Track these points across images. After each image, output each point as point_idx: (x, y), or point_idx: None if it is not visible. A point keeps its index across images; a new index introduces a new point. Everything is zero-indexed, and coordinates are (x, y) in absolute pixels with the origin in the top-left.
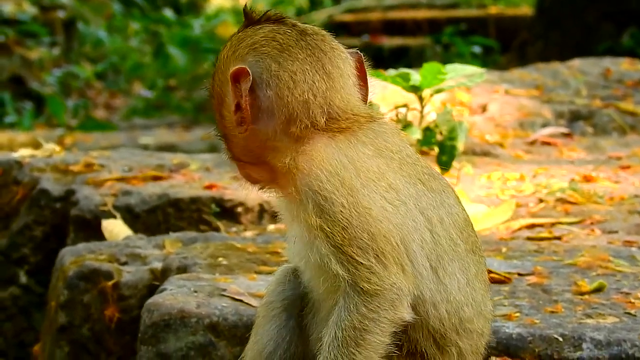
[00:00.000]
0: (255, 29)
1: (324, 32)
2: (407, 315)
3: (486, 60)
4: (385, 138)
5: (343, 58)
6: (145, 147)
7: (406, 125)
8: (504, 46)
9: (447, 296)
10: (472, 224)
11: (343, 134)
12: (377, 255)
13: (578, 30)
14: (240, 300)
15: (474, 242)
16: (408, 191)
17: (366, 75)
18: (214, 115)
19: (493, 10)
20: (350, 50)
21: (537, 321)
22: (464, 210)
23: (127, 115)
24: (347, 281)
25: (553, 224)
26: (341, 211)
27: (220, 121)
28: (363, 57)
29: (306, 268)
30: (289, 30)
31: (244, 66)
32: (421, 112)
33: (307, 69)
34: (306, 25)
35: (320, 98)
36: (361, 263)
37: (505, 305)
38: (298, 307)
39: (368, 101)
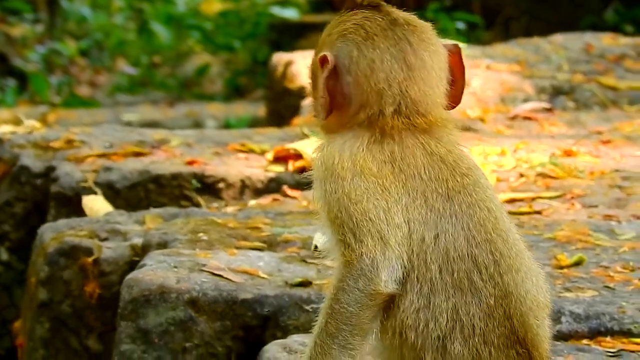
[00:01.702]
0: (351, 15)
1: (419, 23)
2: (383, 286)
3: (470, 36)
4: (417, 151)
5: (431, 51)
6: (129, 124)
7: None
8: (489, 22)
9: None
10: (479, 267)
11: (376, 133)
12: (354, 231)
13: (563, 5)
14: (220, 276)
15: (462, 280)
16: (399, 198)
17: (462, 70)
18: (312, 95)
19: None
20: (449, 43)
21: None
22: (474, 248)
23: (111, 92)
24: (335, 257)
25: (533, 199)
26: (325, 195)
27: (314, 101)
28: (461, 50)
29: None
30: (380, 19)
31: (329, 53)
32: None
33: (386, 57)
34: (403, 14)
35: (395, 88)
36: (340, 240)
37: None
38: None
39: (461, 96)
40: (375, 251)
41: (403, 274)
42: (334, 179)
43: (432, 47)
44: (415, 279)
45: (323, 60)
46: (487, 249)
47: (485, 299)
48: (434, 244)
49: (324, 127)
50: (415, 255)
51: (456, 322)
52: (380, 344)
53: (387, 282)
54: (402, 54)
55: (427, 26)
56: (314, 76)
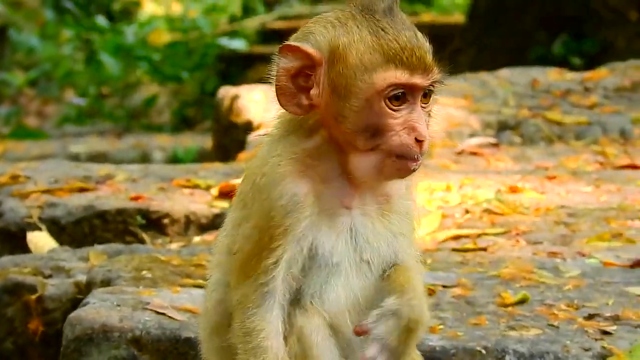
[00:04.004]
0: None
1: None
2: None
3: None
4: None
5: None
6: (76, 157)
7: None
8: (437, 54)
9: None
10: None
11: None
12: None
13: (511, 37)
14: (164, 314)
15: None
16: None
17: None
18: None
19: (425, 17)
20: None
21: (460, 334)
22: None
23: (59, 123)
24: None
25: (479, 235)
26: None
27: None
28: None
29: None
30: None
31: None
32: None
33: None
34: None
35: None
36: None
37: None
38: None
39: None
40: None
41: None
42: None
43: None
44: None
45: None
46: None
47: None
48: None
49: None
50: None
51: None
52: None
53: None
54: None
55: None
56: None
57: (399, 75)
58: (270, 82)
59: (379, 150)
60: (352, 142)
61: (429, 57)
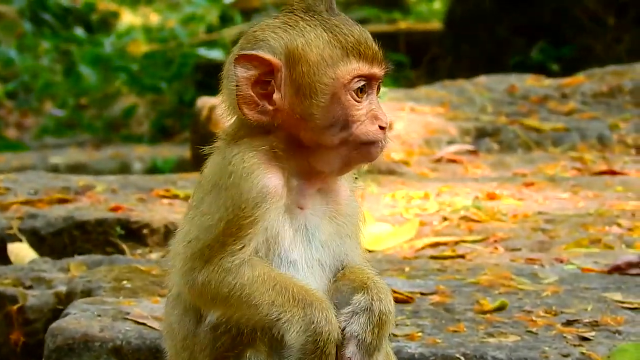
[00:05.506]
0: None
1: None
2: None
3: (397, 75)
4: None
5: None
6: (56, 168)
7: None
8: (415, 61)
9: None
10: None
11: None
12: None
13: (489, 44)
14: (144, 324)
15: None
16: None
17: None
18: None
19: (403, 25)
20: None
21: (439, 341)
22: None
23: (39, 135)
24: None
25: (456, 242)
26: None
27: None
28: None
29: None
30: None
31: None
32: None
33: None
34: None
35: None
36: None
37: (407, 325)
38: None
39: None
40: None
41: None
42: None
43: None
44: None
45: None
46: None
47: None
48: None
49: None
50: None
51: None
52: None
53: None
54: None
55: None
56: None
57: (362, 67)
58: (221, 96)
59: (345, 143)
60: (320, 139)
61: (380, 49)
